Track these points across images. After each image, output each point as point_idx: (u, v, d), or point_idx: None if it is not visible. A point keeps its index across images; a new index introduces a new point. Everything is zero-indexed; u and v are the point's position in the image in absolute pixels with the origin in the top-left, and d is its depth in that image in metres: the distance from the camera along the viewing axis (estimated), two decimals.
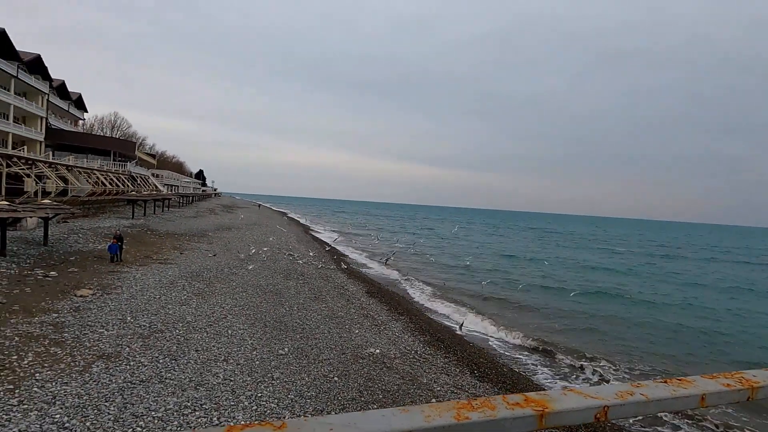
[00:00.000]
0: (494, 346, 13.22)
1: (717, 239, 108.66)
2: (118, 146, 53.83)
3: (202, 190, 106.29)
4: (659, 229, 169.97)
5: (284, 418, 4.09)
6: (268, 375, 7.87)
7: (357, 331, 11.45)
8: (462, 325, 14.42)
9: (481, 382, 9.74)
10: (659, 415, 9.03)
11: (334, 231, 53.64)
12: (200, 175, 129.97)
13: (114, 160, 49.75)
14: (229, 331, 9.81)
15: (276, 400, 6.98)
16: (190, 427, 5.90)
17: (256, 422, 0.74)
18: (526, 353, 12.81)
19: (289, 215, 78.09)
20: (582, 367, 11.95)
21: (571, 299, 20.72)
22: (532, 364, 11.95)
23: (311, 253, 25.71)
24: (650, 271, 36.08)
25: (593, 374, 11.50)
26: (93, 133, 63.70)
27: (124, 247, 16.24)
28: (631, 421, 8.73)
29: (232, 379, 7.46)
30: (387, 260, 27.64)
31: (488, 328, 14.96)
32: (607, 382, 10.76)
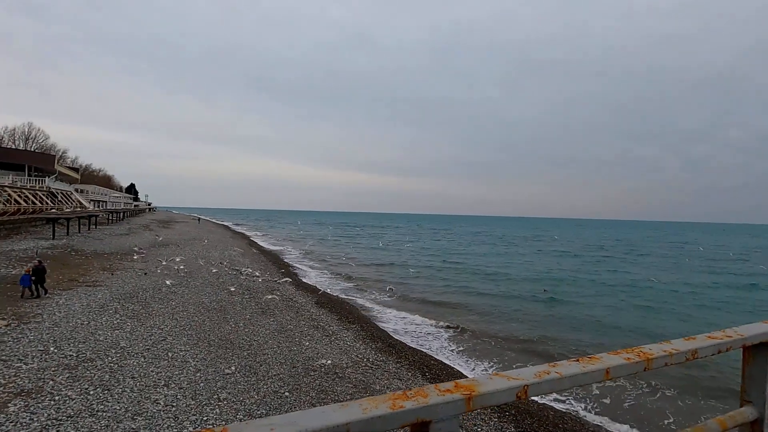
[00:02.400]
0: (442, 348, 13.54)
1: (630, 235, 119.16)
2: (34, 160, 48.87)
3: (135, 205, 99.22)
4: (594, 227, 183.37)
5: None
6: (214, 396, 7.51)
7: (307, 343, 11.25)
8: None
9: (432, 382, 9.93)
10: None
11: (280, 242, 52.35)
12: (132, 189, 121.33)
13: (29, 175, 45.06)
14: (170, 354, 9.24)
15: (223, 422, 6.67)
16: None
17: (192, 430, 0.75)
18: (473, 354, 13.26)
19: (231, 228, 75.08)
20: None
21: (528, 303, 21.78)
22: (480, 363, 12.40)
23: (257, 266, 24.91)
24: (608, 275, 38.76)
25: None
26: (2, 146, 57.40)
27: (46, 278, 13.44)
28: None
29: (174, 404, 7.04)
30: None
31: (435, 330, 15.31)
32: None
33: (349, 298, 20.28)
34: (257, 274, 22.20)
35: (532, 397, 9.94)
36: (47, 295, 13.13)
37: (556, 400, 9.60)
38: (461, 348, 13.51)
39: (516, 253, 49.81)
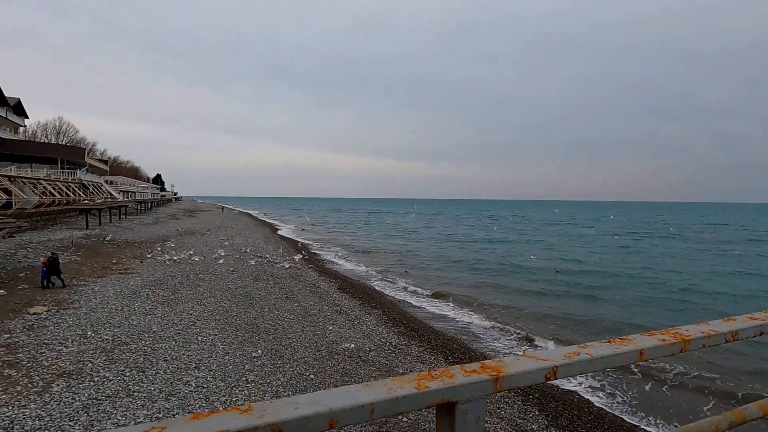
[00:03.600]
0: (468, 331, 13.54)
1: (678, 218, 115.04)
2: (66, 153, 50.70)
3: (161, 195, 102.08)
4: (627, 210, 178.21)
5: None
6: (242, 379, 7.75)
7: (331, 328, 11.43)
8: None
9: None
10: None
11: (302, 229, 53.06)
12: (158, 180, 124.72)
13: (62, 168, 46.86)
14: (199, 338, 9.56)
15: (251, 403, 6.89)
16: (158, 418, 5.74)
17: (221, 408, 0.76)
18: (499, 336, 13.22)
19: (254, 216, 76.46)
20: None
21: (550, 284, 21.53)
22: (506, 346, 12.35)
23: (279, 253, 25.36)
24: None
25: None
26: (36, 140, 59.70)
27: (61, 269, 13.43)
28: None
29: (205, 386, 7.30)
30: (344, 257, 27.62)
31: (461, 314, 15.31)
32: None
33: (371, 283, 20.45)
34: (280, 260, 22.59)
35: (559, 381, 9.78)
36: (64, 287, 13.05)
37: (580, 384, 9.51)
38: (481, 330, 13.47)
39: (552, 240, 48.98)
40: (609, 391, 9.34)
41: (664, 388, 9.52)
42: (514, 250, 35.16)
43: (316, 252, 31.15)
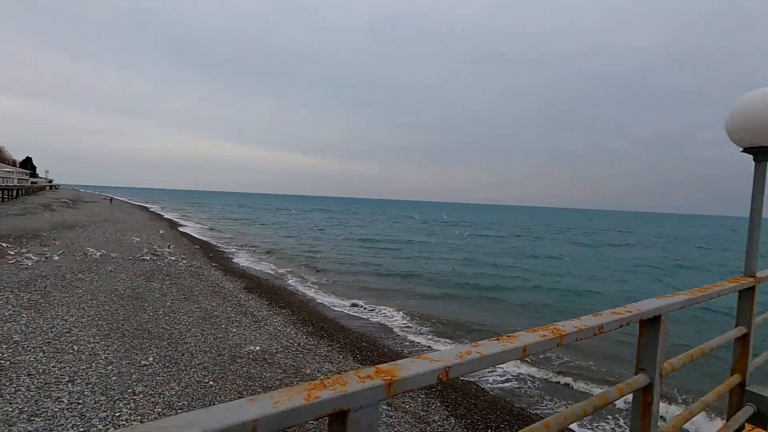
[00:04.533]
0: (377, 329, 13.78)
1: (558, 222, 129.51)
2: None
3: (32, 182, 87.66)
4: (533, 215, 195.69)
5: None
6: (129, 390, 6.95)
7: (235, 330, 10.82)
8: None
9: (363, 364, 10.09)
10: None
11: (206, 225, 49.51)
12: (28, 164, 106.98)
13: None
14: (75, 347, 8.37)
15: (139, 417, 6.21)
16: None
17: None
18: (407, 333, 13.66)
19: (151, 210, 69.43)
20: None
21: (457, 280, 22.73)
22: (412, 343, 12.81)
23: (179, 250, 23.35)
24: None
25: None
26: None
27: None
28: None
29: (81, 401, 6.41)
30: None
31: (371, 313, 15.54)
32: None
33: (280, 282, 19.81)
34: (179, 258, 20.81)
35: None
36: None
37: (477, 374, 10.24)
38: (391, 328, 13.84)
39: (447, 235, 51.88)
40: (503, 379, 10.21)
41: (550, 375, 10.67)
42: (424, 251, 36.73)
43: (222, 249, 29.28)
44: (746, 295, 2.70)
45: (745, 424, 2.72)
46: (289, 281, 20.39)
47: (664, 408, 8.69)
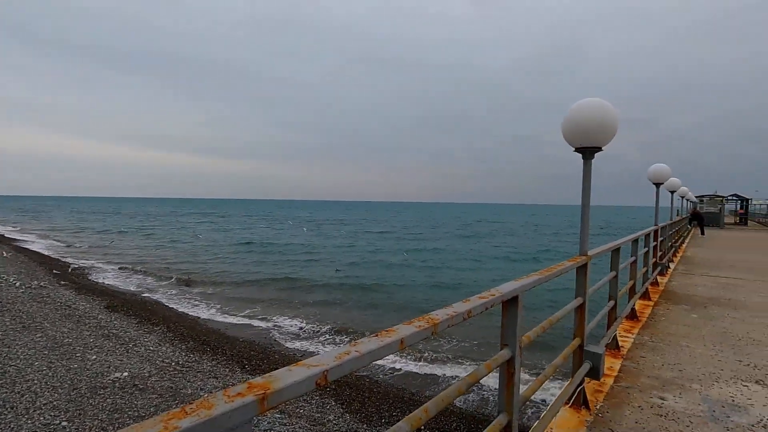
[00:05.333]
0: (267, 335, 13.19)
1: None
2: None
3: None
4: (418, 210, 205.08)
5: None
6: None
7: (95, 357, 9.33)
8: None
9: (253, 375, 9.57)
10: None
11: (49, 238, 41.65)
12: None
13: None
14: None
15: None
16: None
17: None
18: (299, 337, 13.33)
19: None
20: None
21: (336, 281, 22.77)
22: (305, 347, 12.56)
23: (12, 269, 19.23)
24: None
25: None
26: None
27: None
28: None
29: None
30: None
31: (258, 319, 14.81)
32: None
33: (149, 296, 17.68)
34: (13, 279, 17.15)
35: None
36: None
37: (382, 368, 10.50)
38: (281, 333, 13.40)
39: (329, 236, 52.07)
40: (395, 369, 10.65)
41: (440, 359, 11.44)
42: (307, 253, 36.31)
43: (74, 264, 24.95)
44: (581, 271, 3.24)
45: (585, 378, 3.27)
46: (163, 295, 18.31)
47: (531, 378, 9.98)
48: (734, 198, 36.84)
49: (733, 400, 3.42)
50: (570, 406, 3.19)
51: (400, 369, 10.63)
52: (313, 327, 14.20)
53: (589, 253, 3.32)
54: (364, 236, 51.68)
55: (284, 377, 0.93)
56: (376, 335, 1.24)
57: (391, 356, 11.22)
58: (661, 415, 3.15)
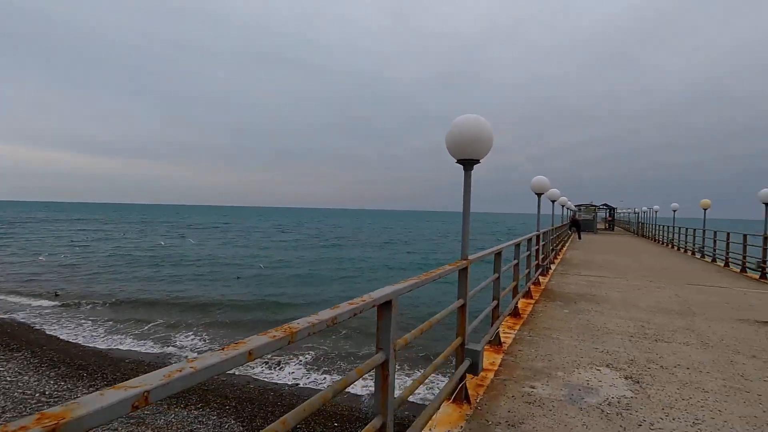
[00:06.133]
0: (159, 355, 12.00)
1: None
2: None
3: None
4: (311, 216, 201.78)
5: None
6: None
7: None
8: None
9: None
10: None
11: None
12: None
13: None
14: None
15: None
16: None
17: None
18: (164, 346, 12.35)
19: None
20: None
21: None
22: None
23: None
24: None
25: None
26: None
27: None
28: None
29: None
30: None
31: (140, 334, 13.43)
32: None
33: (10, 317, 15.08)
34: None
35: (266, 378, 9.88)
36: None
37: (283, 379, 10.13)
38: (175, 351, 12.32)
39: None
40: (304, 379, 10.37)
41: (318, 362, 11.39)
42: (199, 262, 34.10)
43: None
44: (463, 274, 3.48)
45: (466, 374, 3.50)
46: (27, 316, 15.73)
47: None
48: (605, 207, 42.82)
49: (587, 383, 3.93)
50: (452, 402, 3.38)
51: (325, 379, 10.40)
52: (211, 346, 13.28)
53: (470, 257, 3.58)
54: (273, 244, 49.92)
55: (90, 403, 0.84)
56: (222, 348, 1.18)
57: (310, 368, 10.93)
58: (530, 403, 3.49)
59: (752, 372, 4.36)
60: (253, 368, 10.84)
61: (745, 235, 12.76)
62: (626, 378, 4.10)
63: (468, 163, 3.44)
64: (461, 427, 3.07)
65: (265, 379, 10.20)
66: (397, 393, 2.45)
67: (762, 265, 11.46)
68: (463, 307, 3.46)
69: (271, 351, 1.30)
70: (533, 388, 3.80)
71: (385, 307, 2.06)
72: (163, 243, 46.63)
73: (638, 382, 3.99)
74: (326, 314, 1.60)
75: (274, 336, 1.32)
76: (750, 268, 12.44)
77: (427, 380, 9.71)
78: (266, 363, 11.27)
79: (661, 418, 3.28)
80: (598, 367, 4.36)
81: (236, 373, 10.43)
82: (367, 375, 2.15)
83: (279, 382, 10.11)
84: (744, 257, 12.69)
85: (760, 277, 11.44)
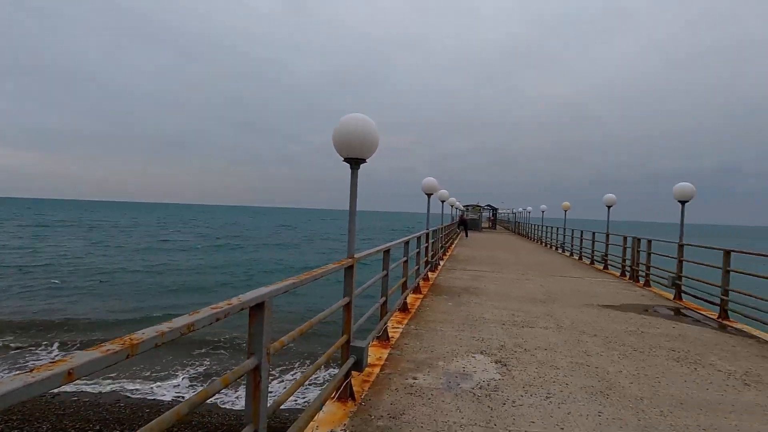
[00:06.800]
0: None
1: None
2: None
3: None
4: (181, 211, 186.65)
5: None
6: None
7: None
8: None
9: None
10: None
11: None
12: None
13: None
14: None
15: None
16: None
17: None
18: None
19: None
20: None
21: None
22: None
23: None
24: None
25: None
26: None
27: None
28: None
29: None
30: None
31: None
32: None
33: None
34: None
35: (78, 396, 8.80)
36: None
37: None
38: None
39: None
40: (179, 386, 9.51)
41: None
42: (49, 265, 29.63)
43: None
44: (349, 272, 3.50)
45: (351, 371, 3.53)
46: None
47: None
48: (489, 207, 47.25)
49: (464, 370, 4.26)
50: (337, 400, 3.38)
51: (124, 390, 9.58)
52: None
53: (356, 255, 3.62)
54: (150, 245, 45.08)
55: None
56: (32, 370, 0.99)
57: (203, 379, 10.01)
58: (411, 393, 3.66)
59: (593, 348, 5.16)
60: (126, 382, 9.65)
61: (593, 233, 15.12)
62: (496, 362, 4.53)
63: (354, 162, 3.47)
64: (344, 424, 3.08)
65: (141, 396, 9.14)
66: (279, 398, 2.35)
67: (605, 258, 13.69)
68: (348, 304, 3.48)
69: (102, 368, 1.13)
70: (415, 379, 3.99)
71: (257, 309, 1.96)
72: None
73: (506, 365, 4.45)
74: (181, 321, 1.46)
75: (108, 350, 1.15)
76: (597, 261, 14.77)
77: (321, 381, 9.64)
78: (148, 376, 10.13)
79: (521, 396, 3.69)
80: (473, 355, 4.75)
81: (103, 391, 9.18)
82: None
83: (159, 397, 9.14)
84: (592, 252, 15.04)
85: (604, 268, 13.66)
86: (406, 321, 6.07)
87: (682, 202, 8.71)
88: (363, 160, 3.47)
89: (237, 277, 26.31)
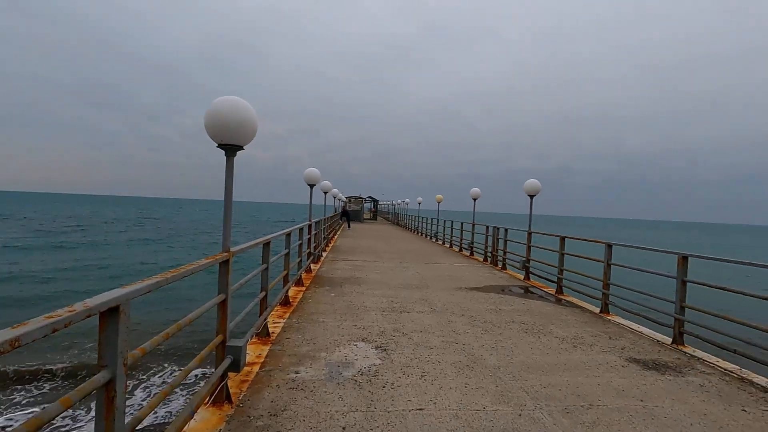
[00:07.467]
0: None
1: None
2: None
3: None
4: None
5: None
6: None
7: None
8: None
9: None
10: None
11: None
12: None
13: None
14: None
15: None
16: None
17: None
18: None
19: None
20: None
21: None
22: None
23: None
24: None
25: None
26: None
27: None
28: None
29: None
30: None
31: None
32: None
33: None
34: None
35: None
36: None
37: None
38: None
39: None
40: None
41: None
42: None
43: None
44: (224, 267, 3.26)
45: (227, 372, 3.31)
46: None
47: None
48: (370, 199, 48.74)
49: (346, 359, 4.34)
50: (212, 405, 3.15)
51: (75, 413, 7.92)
52: None
53: (233, 249, 3.39)
54: None
55: None
56: None
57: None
58: (293, 388, 3.59)
59: (461, 327, 5.73)
60: None
61: (462, 224, 16.73)
62: (377, 348, 4.72)
63: (230, 149, 3.22)
64: (219, 430, 2.88)
65: None
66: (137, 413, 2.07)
67: (471, 245, 15.28)
68: (224, 302, 3.25)
69: None
70: (297, 373, 3.93)
71: (110, 315, 1.69)
72: None
73: (385, 350, 4.66)
74: (4, 335, 1.18)
75: None
76: (464, 248, 16.41)
77: (196, 387, 8.86)
78: None
79: (400, 377, 3.92)
80: (355, 343, 4.87)
81: None
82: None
83: None
84: (461, 240, 16.66)
85: (470, 254, 15.24)
86: (287, 315, 5.92)
87: (531, 196, 10.15)
88: (240, 147, 3.25)
89: (85, 283, 22.49)
